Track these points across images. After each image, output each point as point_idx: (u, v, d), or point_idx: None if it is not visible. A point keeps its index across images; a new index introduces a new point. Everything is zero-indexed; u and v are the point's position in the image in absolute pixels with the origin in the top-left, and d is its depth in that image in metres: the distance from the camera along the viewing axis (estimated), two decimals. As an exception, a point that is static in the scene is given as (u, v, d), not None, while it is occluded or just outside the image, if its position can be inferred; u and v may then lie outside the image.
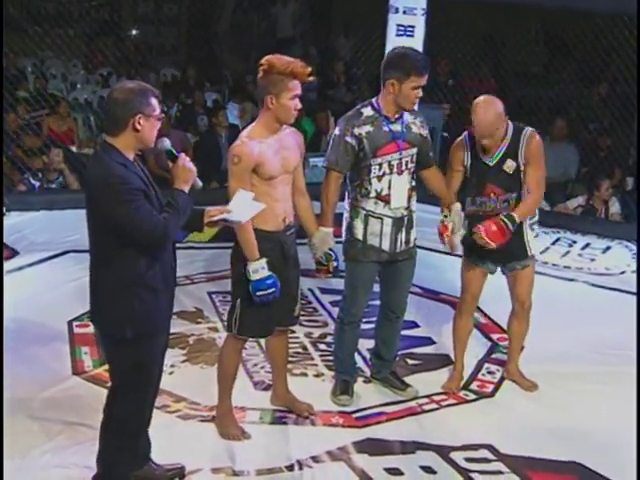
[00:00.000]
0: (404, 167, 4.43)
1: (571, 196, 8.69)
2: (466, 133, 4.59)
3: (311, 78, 4.03)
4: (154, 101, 3.40)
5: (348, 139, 4.37)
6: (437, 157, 5.17)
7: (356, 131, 4.36)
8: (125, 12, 13.49)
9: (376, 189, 4.42)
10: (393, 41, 7.79)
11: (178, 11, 14.18)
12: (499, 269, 4.76)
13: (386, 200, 4.43)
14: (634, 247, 7.68)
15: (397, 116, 4.41)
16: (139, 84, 3.46)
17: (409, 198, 4.49)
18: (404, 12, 7.99)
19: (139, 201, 3.30)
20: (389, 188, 4.41)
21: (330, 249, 4.40)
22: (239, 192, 3.82)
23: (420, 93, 4.31)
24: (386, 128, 4.38)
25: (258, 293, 4.05)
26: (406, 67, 4.28)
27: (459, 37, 10.30)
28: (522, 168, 4.51)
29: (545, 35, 11.58)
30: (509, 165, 4.52)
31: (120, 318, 3.45)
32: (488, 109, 4.41)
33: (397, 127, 4.41)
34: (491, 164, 4.52)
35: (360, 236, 4.50)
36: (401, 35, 7.91)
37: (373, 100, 4.45)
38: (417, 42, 7.78)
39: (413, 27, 8.02)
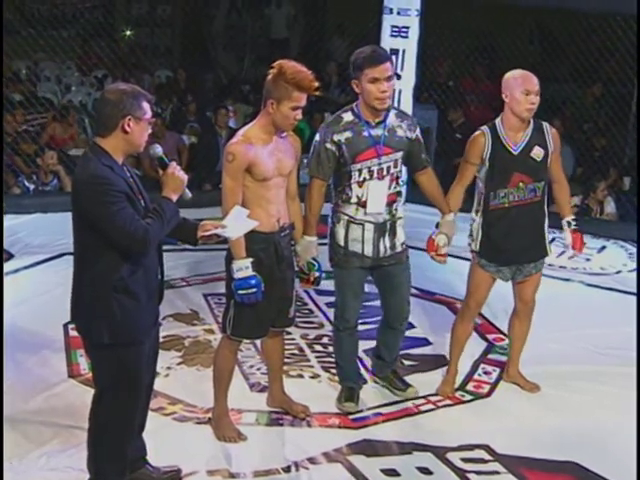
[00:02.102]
0: (385, 172, 4.37)
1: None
2: (485, 126, 4.55)
3: (317, 93, 4.02)
4: (145, 105, 3.38)
5: (328, 146, 4.32)
6: (432, 158, 5.16)
7: (335, 137, 4.31)
8: (119, 14, 13.49)
9: (357, 195, 4.37)
10: (387, 42, 7.80)
11: (172, 12, 14.17)
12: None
13: (365, 205, 4.39)
14: (630, 246, 7.70)
15: (379, 120, 4.34)
16: (132, 87, 3.44)
17: (392, 203, 4.43)
18: (398, 13, 7.99)
19: (121, 204, 3.29)
20: (367, 193, 4.37)
21: (313, 259, 4.39)
22: (235, 208, 3.83)
23: (384, 87, 4.20)
24: (366, 133, 4.32)
25: (239, 292, 4.03)
26: (357, 62, 4.26)
27: (453, 38, 10.31)
28: (550, 156, 4.55)
29: (539, 35, 11.60)
30: (537, 152, 4.52)
31: (98, 323, 3.42)
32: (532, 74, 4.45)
33: (378, 132, 4.34)
34: (516, 153, 4.50)
35: (342, 242, 4.46)
36: (395, 36, 7.92)
37: (354, 105, 4.40)
38: (411, 43, 7.80)
39: (407, 28, 8.03)
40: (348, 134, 4.32)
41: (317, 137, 4.42)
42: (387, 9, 8.04)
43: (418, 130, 4.50)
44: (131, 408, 3.63)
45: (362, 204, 4.38)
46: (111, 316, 3.41)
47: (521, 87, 4.39)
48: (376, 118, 4.34)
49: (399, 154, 4.40)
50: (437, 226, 4.61)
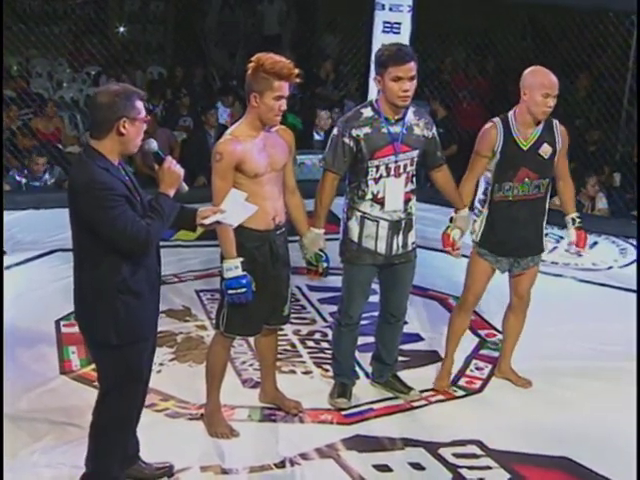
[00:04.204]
0: (402, 170, 4.36)
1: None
2: (497, 118, 4.55)
3: (298, 80, 4.01)
4: (139, 104, 3.35)
5: (346, 140, 4.31)
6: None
7: (354, 132, 4.30)
8: (111, 10, 13.45)
9: (372, 191, 4.37)
10: (379, 38, 7.82)
11: (164, 9, 14.14)
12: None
13: (382, 203, 4.38)
14: (621, 242, 7.72)
15: (398, 117, 4.33)
16: (124, 87, 3.41)
17: (407, 201, 4.43)
18: (390, 9, 8.02)
19: (121, 207, 3.27)
20: (384, 191, 4.37)
21: (320, 250, 4.39)
22: (232, 192, 3.80)
23: (406, 86, 4.20)
24: (385, 130, 4.31)
25: (229, 291, 4.04)
26: (382, 59, 4.24)
27: (446, 34, 10.33)
28: (557, 154, 4.57)
29: (532, 31, 11.61)
30: (546, 150, 4.53)
31: (104, 324, 3.42)
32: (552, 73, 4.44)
33: (396, 129, 4.33)
34: (525, 148, 4.51)
35: (355, 238, 4.45)
36: (387, 32, 7.94)
37: (374, 100, 4.40)
38: (403, 39, 7.80)
39: (399, 24, 8.05)
40: (367, 130, 4.31)
41: (335, 131, 4.41)
42: (379, 5, 8.07)
43: (434, 129, 4.50)
44: (133, 405, 3.67)
45: (377, 201, 4.38)
46: (117, 317, 3.41)
47: (542, 89, 4.38)
48: (396, 115, 4.33)
49: (415, 152, 4.40)
50: (451, 220, 4.62)
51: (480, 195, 4.65)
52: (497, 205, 4.57)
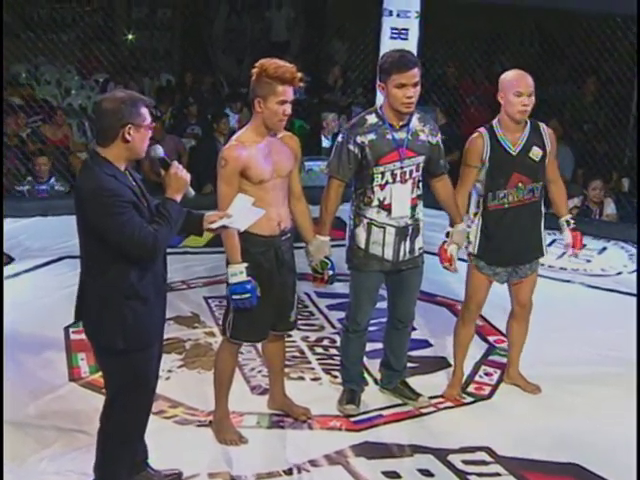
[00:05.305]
0: (408, 176, 4.35)
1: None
2: (482, 128, 4.55)
3: (301, 84, 4.02)
4: (144, 110, 3.36)
5: (351, 147, 4.31)
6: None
7: (359, 139, 4.29)
8: (119, 17, 13.48)
9: (379, 198, 4.36)
10: (387, 44, 7.81)
11: (172, 16, 14.17)
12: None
13: (388, 209, 4.37)
14: (630, 248, 7.70)
15: (402, 123, 4.32)
16: (129, 93, 3.42)
17: (413, 207, 4.42)
18: (398, 15, 8.01)
19: (129, 213, 3.28)
20: (391, 197, 4.37)
21: (326, 257, 4.39)
22: (238, 196, 3.81)
23: (410, 92, 4.19)
24: (389, 136, 4.31)
25: (234, 297, 4.04)
26: (385, 66, 4.24)
27: (453, 39, 10.33)
28: (548, 156, 4.56)
29: (539, 36, 11.61)
30: (536, 152, 4.52)
31: (112, 331, 3.42)
32: (527, 74, 4.45)
33: (401, 135, 4.33)
34: (515, 153, 4.50)
35: (362, 245, 4.44)
36: (395, 38, 7.93)
37: (378, 107, 4.40)
38: (411, 45, 7.80)
39: (407, 30, 8.04)
40: (372, 136, 4.30)
41: (339, 138, 4.41)
42: (387, 11, 8.06)
43: (439, 135, 4.49)
44: (141, 411, 3.67)
45: (384, 207, 4.37)
46: (124, 322, 3.41)
47: (513, 89, 4.39)
48: (400, 121, 4.32)
49: (421, 158, 4.39)
50: (447, 235, 4.60)
51: (473, 208, 4.63)
52: (492, 214, 4.56)
